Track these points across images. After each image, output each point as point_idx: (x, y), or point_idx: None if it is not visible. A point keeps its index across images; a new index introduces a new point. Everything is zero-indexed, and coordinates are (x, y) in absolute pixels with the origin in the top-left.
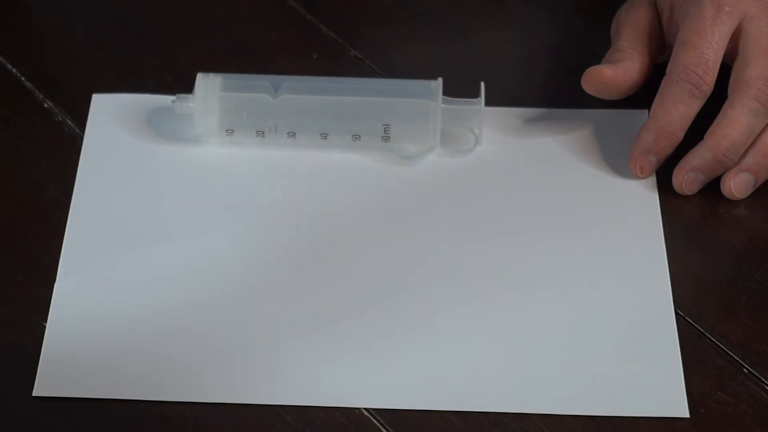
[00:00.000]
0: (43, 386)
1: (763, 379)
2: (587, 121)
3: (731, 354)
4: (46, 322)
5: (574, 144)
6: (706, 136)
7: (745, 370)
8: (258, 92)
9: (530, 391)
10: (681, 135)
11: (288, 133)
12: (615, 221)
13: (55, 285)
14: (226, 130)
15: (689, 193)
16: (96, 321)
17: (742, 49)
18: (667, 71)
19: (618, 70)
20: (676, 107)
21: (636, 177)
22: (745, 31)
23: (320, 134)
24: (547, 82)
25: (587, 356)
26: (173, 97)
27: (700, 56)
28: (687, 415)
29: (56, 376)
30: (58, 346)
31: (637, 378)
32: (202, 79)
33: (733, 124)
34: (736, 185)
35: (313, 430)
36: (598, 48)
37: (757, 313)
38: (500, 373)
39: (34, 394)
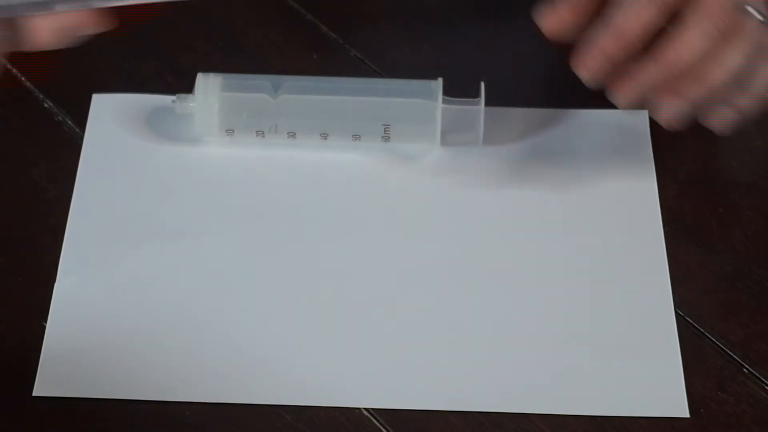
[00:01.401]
0: (43, 386)
1: (763, 379)
2: (587, 121)
3: (731, 354)
4: (45, 322)
5: (574, 144)
6: (655, 53)
7: (745, 370)
8: (258, 92)
9: (530, 391)
10: (638, 44)
11: (288, 133)
12: (615, 221)
13: (55, 285)
14: (226, 130)
15: (625, 105)
16: (96, 321)
17: None
18: None
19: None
20: (639, 15)
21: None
22: None
23: (320, 134)
24: (547, 82)
25: (587, 356)
26: (173, 97)
27: None
28: (687, 415)
29: (56, 376)
30: (58, 346)
31: (637, 378)
32: (202, 79)
33: (688, 45)
34: (719, 125)
35: (313, 430)
36: None
37: (757, 313)
38: (500, 373)
39: (34, 394)
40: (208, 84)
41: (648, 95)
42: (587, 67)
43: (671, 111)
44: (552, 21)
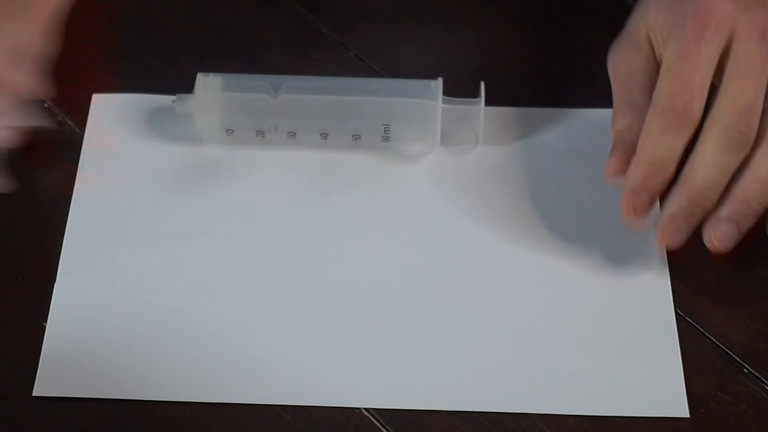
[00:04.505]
0: (43, 386)
1: (763, 379)
2: (587, 121)
3: (731, 354)
4: (46, 321)
5: (574, 144)
6: (679, 179)
7: (745, 370)
8: (258, 92)
9: (530, 391)
10: (672, 169)
11: (288, 133)
12: (615, 221)
13: (55, 285)
14: (226, 130)
15: (675, 244)
16: (96, 321)
17: (726, 72)
18: (651, 102)
19: (626, 154)
20: (662, 140)
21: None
22: (732, 53)
23: (320, 134)
24: (547, 82)
25: (587, 356)
26: (173, 97)
27: (685, 83)
28: (687, 415)
29: (56, 376)
30: (58, 346)
31: (637, 378)
32: (202, 79)
33: (704, 163)
34: (718, 237)
35: (313, 430)
36: (599, 47)
37: (757, 313)
38: (500, 373)
39: (34, 394)
40: (208, 84)
41: (683, 222)
42: (630, 206)
43: (719, 235)
44: (611, 167)
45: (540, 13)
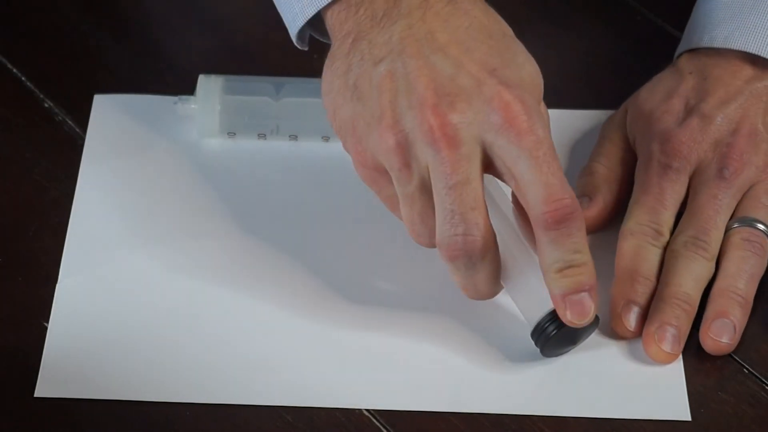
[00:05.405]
0: (45, 387)
1: (763, 379)
2: (587, 121)
3: (731, 354)
4: (47, 322)
5: (574, 144)
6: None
7: (745, 370)
8: (259, 94)
9: (531, 392)
10: (653, 279)
11: (290, 136)
12: (613, 223)
13: (57, 285)
14: (227, 132)
15: (672, 351)
16: (98, 321)
17: (689, 197)
18: (621, 227)
19: (595, 209)
20: (638, 254)
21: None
22: (692, 184)
23: (322, 136)
24: (548, 82)
25: (588, 358)
26: (175, 98)
27: (651, 212)
28: (689, 418)
29: (58, 376)
30: (60, 347)
31: (638, 380)
32: (203, 81)
33: (674, 269)
34: (714, 332)
35: (313, 430)
36: (598, 48)
37: (757, 313)
38: (501, 373)
39: (35, 395)
40: (209, 86)
41: (672, 329)
42: (623, 320)
43: (715, 331)
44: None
45: (540, 13)
